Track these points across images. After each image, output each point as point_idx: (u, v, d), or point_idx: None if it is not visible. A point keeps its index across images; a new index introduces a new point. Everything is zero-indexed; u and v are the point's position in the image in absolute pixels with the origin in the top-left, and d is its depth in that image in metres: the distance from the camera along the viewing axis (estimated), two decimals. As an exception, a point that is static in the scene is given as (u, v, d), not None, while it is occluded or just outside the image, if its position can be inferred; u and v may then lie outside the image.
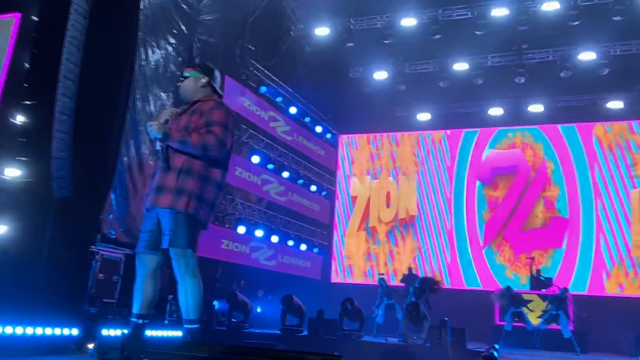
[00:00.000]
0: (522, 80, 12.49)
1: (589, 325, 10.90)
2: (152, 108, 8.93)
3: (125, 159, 8.37)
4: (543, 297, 11.04)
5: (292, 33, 12.59)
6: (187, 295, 3.17)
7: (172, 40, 10.13)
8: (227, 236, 10.89)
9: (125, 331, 3.66)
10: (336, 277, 14.69)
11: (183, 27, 10.14)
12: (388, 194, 14.71)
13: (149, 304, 3.25)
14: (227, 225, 11.05)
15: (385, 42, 12.16)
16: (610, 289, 12.43)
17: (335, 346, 8.05)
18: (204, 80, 3.47)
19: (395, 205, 14.57)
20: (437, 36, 11.75)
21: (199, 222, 3.27)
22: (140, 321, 3.21)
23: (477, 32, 11.46)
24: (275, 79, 12.81)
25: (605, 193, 12.91)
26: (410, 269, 12.44)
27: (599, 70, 11.96)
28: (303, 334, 9.05)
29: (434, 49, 12.34)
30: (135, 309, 3.23)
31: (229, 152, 3.40)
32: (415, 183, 14.54)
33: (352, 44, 12.40)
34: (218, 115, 3.29)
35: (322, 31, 12.28)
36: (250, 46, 11.92)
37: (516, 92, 13.17)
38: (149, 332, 6.24)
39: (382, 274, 12.60)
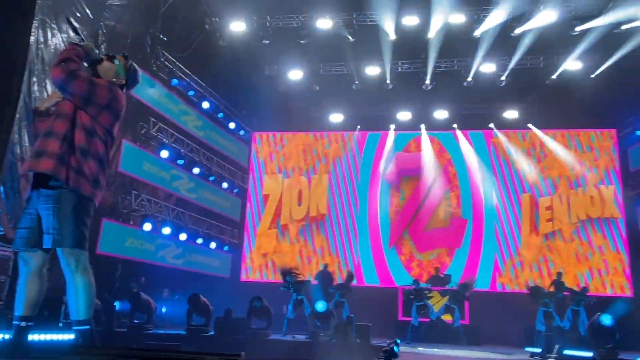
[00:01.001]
0: (429, 87, 13.13)
1: (483, 319, 11.68)
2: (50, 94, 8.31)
3: (18, 149, 7.73)
4: (442, 293, 11.69)
5: (206, 26, 12.28)
6: (78, 294, 2.98)
7: (75, 24, 9.47)
8: (131, 233, 10.42)
9: (7, 336, 3.37)
10: (246, 276, 14.56)
11: (88, 11, 9.53)
12: (300, 192, 14.84)
13: (33, 305, 3.02)
14: (131, 222, 10.56)
15: (301, 42, 12.24)
16: (504, 285, 13.43)
17: (242, 345, 7.98)
18: (122, 81, 3.36)
19: (306, 204, 14.71)
20: (351, 39, 12.03)
21: (85, 199, 3.07)
22: (23, 324, 2.97)
23: (388, 38, 11.87)
24: (188, 72, 12.44)
25: (506, 196, 13.95)
26: (325, 265, 12.62)
27: (497, 82, 12.86)
28: (209, 333, 8.87)
29: (348, 51, 12.59)
30: (18, 310, 2.99)
31: (111, 126, 3.24)
32: (327, 182, 14.79)
33: (268, 42, 12.33)
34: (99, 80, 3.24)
35: (237, 26, 12.09)
36: (162, 36, 11.48)
37: (423, 98, 13.81)
38: (39, 336, 5.81)
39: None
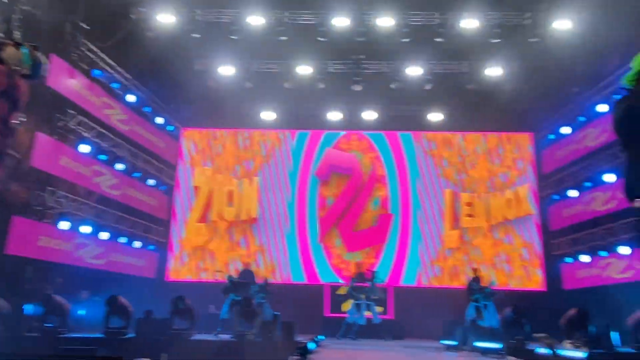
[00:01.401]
0: (359, 88, 13.33)
1: (407, 314, 12.06)
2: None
3: None
4: (365, 291, 11.92)
5: (132, 16, 11.80)
6: None
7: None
8: (45, 232, 9.87)
9: None
10: (173, 276, 14.17)
11: (1, -6, 8.91)
12: (230, 193, 14.59)
13: None
14: (46, 220, 9.99)
15: (232, 37, 12.04)
16: (428, 279, 13.90)
17: (163, 346, 7.76)
18: (25, 72, 3.15)
19: (237, 206, 14.49)
20: (283, 38, 11.97)
21: None
22: None
23: (320, 39, 11.93)
24: (112, 63, 11.93)
25: (432, 192, 14.45)
26: (247, 264, 12.52)
27: (424, 85, 13.27)
28: (129, 335, 8.57)
29: (280, 49, 12.55)
30: None
31: (8, 115, 3.04)
32: (258, 181, 14.65)
33: (198, 35, 12.02)
34: None
35: (165, 18, 11.70)
36: (83, 24, 10.94)
37: (354, 98, 14.02)
38: None
39: (220, 271, 12.55)
